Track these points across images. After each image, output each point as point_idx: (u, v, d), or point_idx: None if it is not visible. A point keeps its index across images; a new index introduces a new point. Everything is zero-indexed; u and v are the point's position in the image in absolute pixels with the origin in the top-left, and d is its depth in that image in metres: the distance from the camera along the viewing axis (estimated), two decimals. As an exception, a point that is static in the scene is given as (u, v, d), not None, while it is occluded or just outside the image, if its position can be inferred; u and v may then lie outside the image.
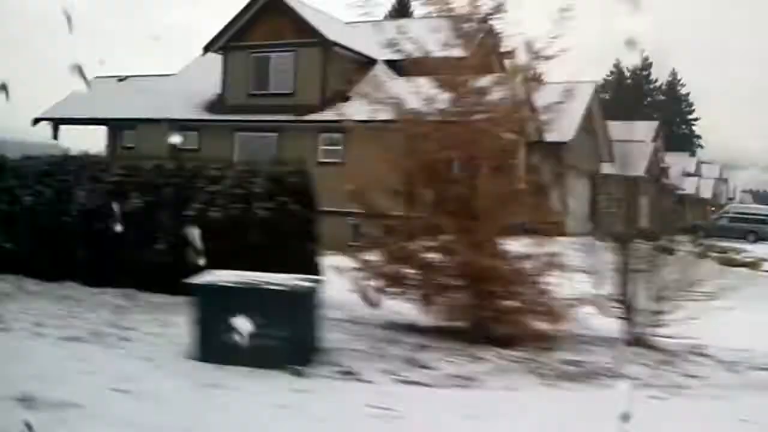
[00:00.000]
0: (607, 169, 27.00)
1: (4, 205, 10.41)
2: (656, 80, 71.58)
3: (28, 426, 1.75)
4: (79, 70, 1.94)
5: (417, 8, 22.16)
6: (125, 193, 9.32)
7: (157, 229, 9.00)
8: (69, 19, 1.86)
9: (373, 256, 7.41)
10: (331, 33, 20.85)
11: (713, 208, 49.70)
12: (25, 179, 10.30)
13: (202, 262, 8.54)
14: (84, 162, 9.90)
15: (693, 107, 72.12)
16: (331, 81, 20.64)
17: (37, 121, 24.93)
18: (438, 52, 7.58)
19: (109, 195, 9.41)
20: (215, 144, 21.09)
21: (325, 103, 20.31)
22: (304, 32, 20.55)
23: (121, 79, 26.45)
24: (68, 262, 9.48)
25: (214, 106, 22.29)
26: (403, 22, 23.21)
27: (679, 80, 72.32)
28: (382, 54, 22.03)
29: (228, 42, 21.87)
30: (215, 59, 23.55)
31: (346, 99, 21.05)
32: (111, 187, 9.39)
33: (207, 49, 22.24)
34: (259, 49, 21.32)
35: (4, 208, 10.38)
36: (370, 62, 21.85)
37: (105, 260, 9.33)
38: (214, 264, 8.99)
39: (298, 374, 5.32)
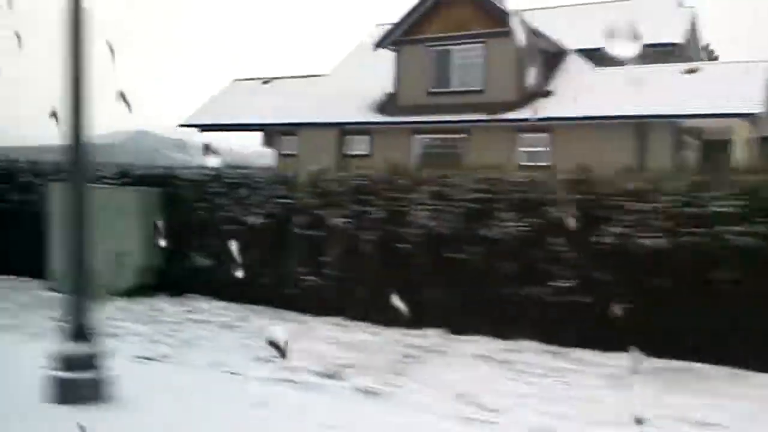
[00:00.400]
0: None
1: (300, 229, 8.53)
2: None
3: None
4: (123, 97, 2.13)
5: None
6: (490, 214, 7.28)
7: (552, 262, 6.92)
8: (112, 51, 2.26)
9: None
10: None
11: None
12: (334, 197, 8.37)
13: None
14: (415, 177, 7.92)
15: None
16: (526, 74, 18.45)
17: (181, 127, 23.46)
18: None
19: (466, 216, 7.39)
20: (389, 148, 19.08)
21: (523, 100, 18.15)
22: (495, 20, 18.34)
23: (266, 81, 24.84)
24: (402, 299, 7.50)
25: (385, 107, 20.31)
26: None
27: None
28: (574, 42, 19.77)
29: (402, 36, 19.88)
30: (370, 57, 21.67)
31: (546, 94, 18.86)
32: (470, 206, 7.36)
33: (379, 45, 20.28)
34: (440, 42, 19.27)
35: (304, 234, 8.50)
36: (559, 53, 19.62)
37: (466, 300, 7.30)
38: (654, 310, 6.88)
39: None
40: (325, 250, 8.32)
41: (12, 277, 10.43)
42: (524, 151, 17.73)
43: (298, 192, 8.65)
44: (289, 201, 8.68)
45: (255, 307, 8.31)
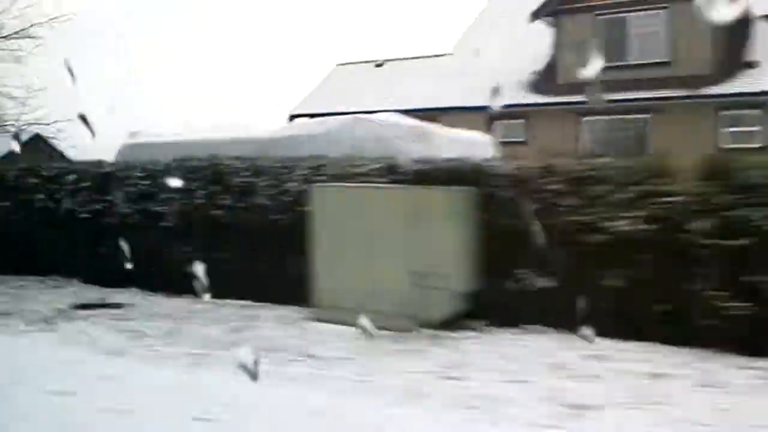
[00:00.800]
0: None
1: (707, 237, 6.24)
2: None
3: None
4: (83, 119, 1.90)
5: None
6: None
7: None
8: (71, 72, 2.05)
9: None
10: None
11: None
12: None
13: None
14: None
15: None
16: (719, 43, 16.08)
17: (293, 117, 21.19)
18: None
19: None
20: (549, 134, 16.85)
21: (722, 72, 15.76)
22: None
23: (379, 64, 22.58)
24: None
25: (540, 86, 18.01)
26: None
27: None
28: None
29: (562, 4, 17.54)
30: (495, 31, 19.44)
31: (750, 65, 16.46)
32: None
33: (536, 16, 17.94)
34: (611, 9, 16.91)
35: (713, 244, 6.21)
36: (746, 19, 17.21)
37: None
38: None
39: None
40: (755, 266, 6.03)
41: (250, 302, 8.26)
42: (728, 132, 15.40)
43: (697, 186, 6.37)
44: (679, 199, 6.40)
45: (672, 348, 6.05)
